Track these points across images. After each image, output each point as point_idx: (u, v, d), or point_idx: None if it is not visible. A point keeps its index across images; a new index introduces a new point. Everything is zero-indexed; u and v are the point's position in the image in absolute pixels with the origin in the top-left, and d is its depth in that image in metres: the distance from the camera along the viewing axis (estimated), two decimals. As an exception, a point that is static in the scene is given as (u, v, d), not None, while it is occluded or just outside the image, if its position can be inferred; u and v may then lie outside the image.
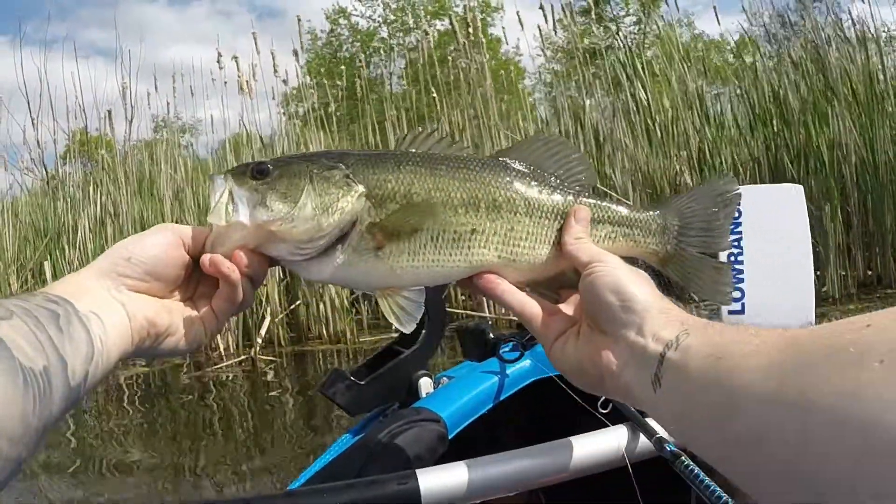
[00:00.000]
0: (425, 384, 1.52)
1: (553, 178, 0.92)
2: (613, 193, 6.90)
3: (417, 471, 0.98)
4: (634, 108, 7.36)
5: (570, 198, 0.91)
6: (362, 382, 1.47)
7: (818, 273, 6.29)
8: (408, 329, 0.88)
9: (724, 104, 7.76)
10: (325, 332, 7.06)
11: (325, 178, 0.83)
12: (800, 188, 1.31)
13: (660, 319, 0.74)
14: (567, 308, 0.89)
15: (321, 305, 6.97)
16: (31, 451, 0.63)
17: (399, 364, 1.52)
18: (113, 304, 0.78)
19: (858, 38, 6.96)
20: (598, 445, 1.08)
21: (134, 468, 4.07)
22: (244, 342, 6.95)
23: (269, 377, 6.15)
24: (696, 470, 0.94)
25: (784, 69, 7.14)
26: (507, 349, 1.49)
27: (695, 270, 0.94)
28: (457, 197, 0.86)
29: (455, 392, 1.45)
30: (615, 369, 0.76)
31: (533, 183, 0.90)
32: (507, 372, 1.49)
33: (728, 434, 0.57)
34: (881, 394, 0.43)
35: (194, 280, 0.88)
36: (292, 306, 7.10)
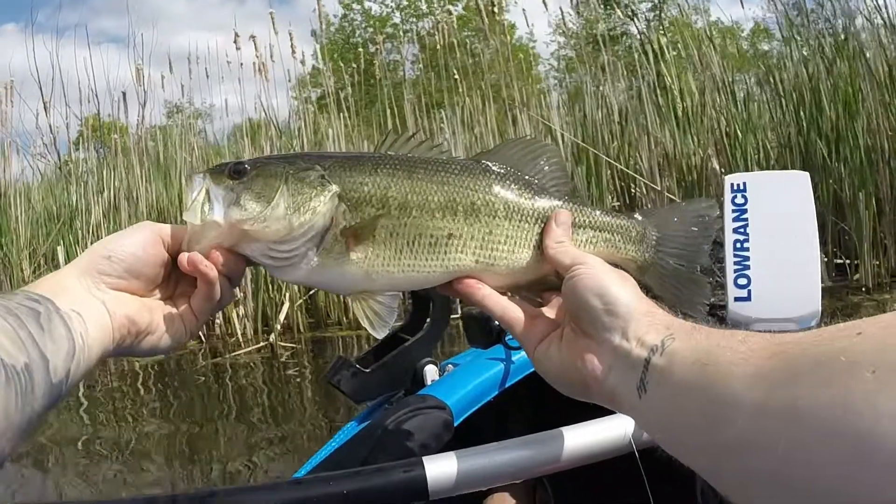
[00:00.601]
0: (430, 371, 1.52)
1: (534, 182, 0.92)
2: (640, 177, 6.79)
3: (424, 458, 0.96)
4: (659, 91, 7.20)
5: (551, 201, 0.91)
6: (367, 370, 1.47)
7: (848, 262, 6.18)
8: (380, 335, 0.87)
9: (748, 90, 7.57)
10: (344, 317, 7.03)
11: (299, 178, 0.83)
12: (806, 175, 1.29)
13: (643, 322, 0.73)
14: (550, 312, 0.88)
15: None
16: (14, 446, 0.64)
17: (404, 351, 1.51)
18: (93, 302, 0.79)
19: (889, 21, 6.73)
20: (604, 433, 1.06)
21: (149, 454, 4.09)
22: (263, 328, 6.94)
23: (288, 363, 6.12)
24: None
25: (814, 52, 6.94)
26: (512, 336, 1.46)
27: (672, 281, 0.95)
28: (434, 201, 0.86)
29: (460, 379, 1.45)
30: (599, 374, 0.76)
31: (513, 186, 0.90)
32: (513, 359, 1.50)
33: (716, 442, 0.57)
34: (874, 404, 0.43)
35: (174, 278, 0.88)
36: (311, 291, 7.05)
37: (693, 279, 0.95)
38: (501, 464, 0.98)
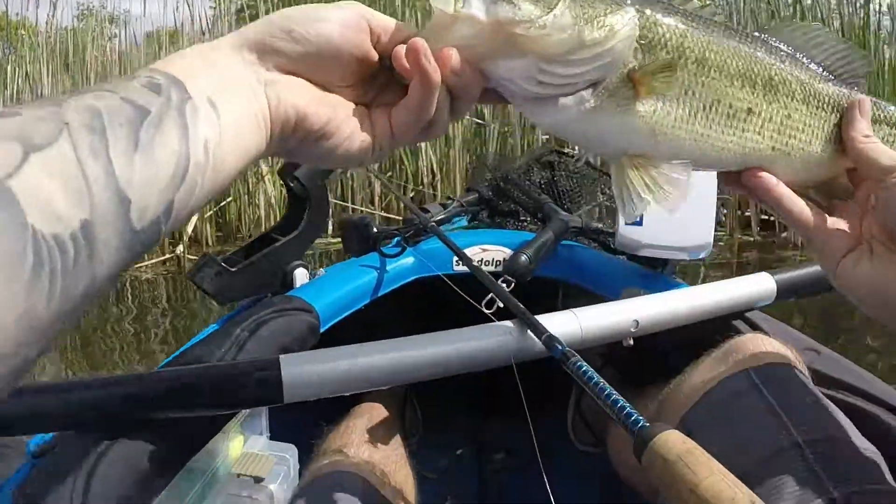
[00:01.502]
0: (300, 275, 1.42)
1: (822, 67, 0.77)
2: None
3: (281, 357, 0.88)
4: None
5: (847, 89, 0.76)
6: (233, 269, 1.36)
7: (774, 218, 6.27)
8: (673, 206, 0.69)
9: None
10: (255, 232, 6.84)
11: None
12: None
13: None
14: (842, 222, 0.74)
15: (253, 204, 6.76)
16: (41, 350, 0.41)
17: (274, 252, 1.41)
18: (248, 84, 0.56)
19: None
20: (483, 340, 0.98)
21: (36, 377, 3.87)
22: (168, 240, 6.70)
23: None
24: (588, 369, 0.84)
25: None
26: (390, 245, 1.44)
27: None
28: (732, 65, 0.70)
29: (330, 284, 1.37)
30: None
31: (806, 67, 0.75)
32: (387, 268, 1.43)
33: None
34: None
35: (376, 87, 0.64)
36: (222, 203, 6.85)
37: None
38: (367, 367, 0.90)
